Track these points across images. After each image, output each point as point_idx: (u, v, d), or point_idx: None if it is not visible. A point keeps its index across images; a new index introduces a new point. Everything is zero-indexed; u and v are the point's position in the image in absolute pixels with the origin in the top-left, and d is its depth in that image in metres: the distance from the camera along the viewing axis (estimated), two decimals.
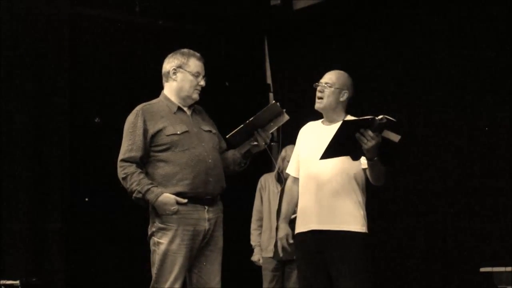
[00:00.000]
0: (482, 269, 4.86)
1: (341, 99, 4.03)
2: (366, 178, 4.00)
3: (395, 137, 3.72)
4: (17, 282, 4.73)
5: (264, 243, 5.68)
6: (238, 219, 5.67)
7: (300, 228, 4.04)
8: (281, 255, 5.22)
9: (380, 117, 3.63)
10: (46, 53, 5.52)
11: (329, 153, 3.77)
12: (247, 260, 5.74)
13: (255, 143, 3.89)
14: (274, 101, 3.88)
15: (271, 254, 5.58)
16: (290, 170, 4.22)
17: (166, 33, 6.18)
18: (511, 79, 5.19)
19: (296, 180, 4.15)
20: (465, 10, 5.49)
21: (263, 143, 3.90)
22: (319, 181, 3.96)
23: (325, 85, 4.02)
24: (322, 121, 4.11)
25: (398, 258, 5.76)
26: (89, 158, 5.69)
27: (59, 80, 5.55)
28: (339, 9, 6.24)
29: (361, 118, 3.69)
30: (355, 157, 3.84)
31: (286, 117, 3.89)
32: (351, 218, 3.93)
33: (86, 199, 5.67)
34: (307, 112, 4.26)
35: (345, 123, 3.69)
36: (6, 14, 5.34)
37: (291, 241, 4.09)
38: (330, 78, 4.05)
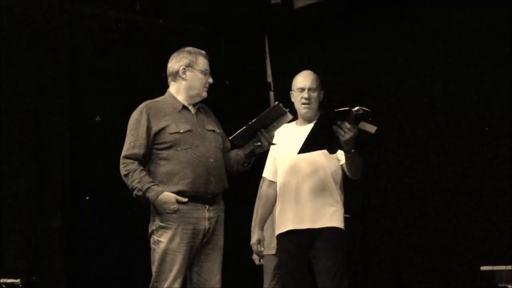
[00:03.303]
0: (483, 268, 4.85)
1: (320, 100, 4.12)
2: (344, 176, 4.03)
3: (371, 128, 3.72)
4: (18, 280, 4.73)
5: (266, 240, 5.66)
6: (239, 218, 5.66)
7: (279, 229, 4.09)
8: (256, 262, 5.28)
9: (356, 108, 3.63)
10: (46, 53, 5.51)
11: (307, 147, 3.79)
12: (248, 259, 5.73)
13: (259, 143, 3.90)
14: (276, 102, 3.88)
15: (273, 251, 5.57)
16: (266, 173, 4.27)
17: (166, 32, 6.18)
18: (511, 79, 5.20)
19: (272, 183, 4.21)
20: (465, 9, 5.49)
21: (267, 144, 3.90)
22: (295, 180, 3.99)
23: (311, 91, 4.08)
24: (296, 123, 4.16)
25: (399, 257, 5.76)
26: (90, 157, 5.68)
27: (59, 79, 5.54)
28: (339, 7, 6.23)
29: (339, 109, 3.69)
30: (332, 150, 3.85)
31: (289, 117, 3.89)
32: (327, 216, 3.95)
33: (87, 198, 5.67)
34: None
35: (323, 115, 3.70)
36: (7, 14, 5.33)
37: (262, 249, 4.18)
38: (312, 82, 4.10)
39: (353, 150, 3.79)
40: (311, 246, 3.97)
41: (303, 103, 4.07)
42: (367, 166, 5.54)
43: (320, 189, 3.96)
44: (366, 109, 3.64)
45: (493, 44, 5.34)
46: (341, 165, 4.01)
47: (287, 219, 4.03)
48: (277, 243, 4.16)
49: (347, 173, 3.99)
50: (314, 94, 4.08)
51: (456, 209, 5.46)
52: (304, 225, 3.97)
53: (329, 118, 3.69)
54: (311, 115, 4.09)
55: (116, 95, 5.80)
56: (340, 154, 3.91)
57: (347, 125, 3.67)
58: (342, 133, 3.68)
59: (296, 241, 3.99)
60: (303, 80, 4.11)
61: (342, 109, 3.66)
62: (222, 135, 4.02)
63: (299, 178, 3.99)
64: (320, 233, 3.95)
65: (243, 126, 3.84)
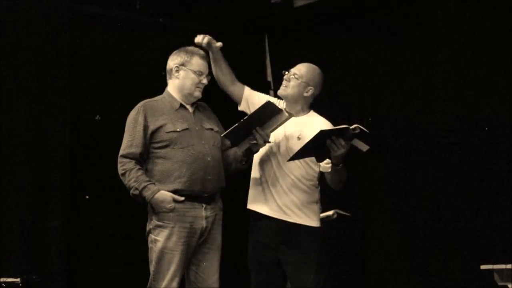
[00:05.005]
0: (483, 267, 4.86)
1: (305, 94, 4.03)
2: (320, 174, 3.99)
3: (363, 147, 3.75)
4: (18, 279, 4.74)
5: None
6: (239, 217, 5.66)
7: (256, 206, 4.06)
8: None
9: (353, 126, 3.66)
10: (46, 52, 5.51)
11: (297, 157, 3.82)
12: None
13: (254, 141, 3.89)
14: (268, 101, 3.87)
15: None
16: None
17: (166, 32, 6.17)
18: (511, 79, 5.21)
19: None
20: (465, 9, 5.49)
21: (262, 141, 3.88)
22: (278, 170, 3.96)
23: (293, 75, 4.02)
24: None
25: (399, 256, 5.77)
26: (90, 156, 5.68)
27: (59, 78, 5.54)
28: (339, 6, 6.23)
29: (336, 127, 3.72)
30: (320, 159, 3.86)
31: (285, 115, 3.86)
32: (303, 212, 3.94)
33: (87, 197, 5.67)
34: None
35: (321, 133, 3.70)
36: (6, 14, 5.33)
37: None
38: (300, 70, 4.06)
39: (341, 165, 3.79)
40: (283, 243, 3.95)
41: (283, 84, 4.05)
42: (367, 166, 5.61)
43: (297, 185, 3.94)
44: (364, 129, 3.66)
45: (494, 44, 5.34)
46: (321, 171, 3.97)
47: (268, 204, 4.00)
48: (253, 221, 4.12)
49: (329, 183, 3.96)
50: (294, 81, 4.01)
51: (456, 209, 5.46)
52: (277, 215, 3.96)
53: (327, 135, 3.71)
54: (283, 96, 4.05)
55: (116, 94, 5.80)
56: (324, 161, 3.88)
57: (341, 141, 3.68)
58: (335, 148, 3.69)
59: (269, 230, 3.99)
60: (297, 65, 4.08)
61: (341, 126, 3.69)
62: (221, 133, 4.01)
63: (279, 170, 3.97)
64: (293, 231, 3.93)
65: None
